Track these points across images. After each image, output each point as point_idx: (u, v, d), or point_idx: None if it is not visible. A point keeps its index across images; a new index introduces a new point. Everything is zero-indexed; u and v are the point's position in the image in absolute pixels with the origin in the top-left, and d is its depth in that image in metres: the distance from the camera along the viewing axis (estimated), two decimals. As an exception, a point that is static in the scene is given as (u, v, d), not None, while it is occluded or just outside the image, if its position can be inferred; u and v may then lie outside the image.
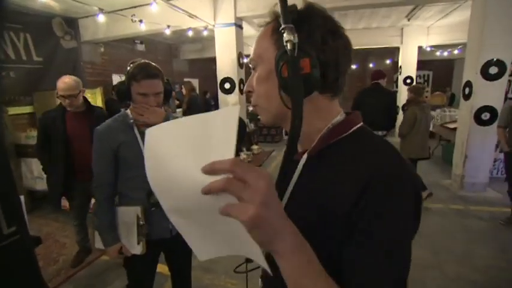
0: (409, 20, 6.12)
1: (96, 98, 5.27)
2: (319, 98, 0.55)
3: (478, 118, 3.83)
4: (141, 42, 7.08)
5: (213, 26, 4.62)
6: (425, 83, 11.01)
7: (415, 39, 7.33)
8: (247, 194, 0.35)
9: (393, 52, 9.10)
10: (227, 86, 4.86)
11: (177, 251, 1.57)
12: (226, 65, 4.78)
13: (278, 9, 0.52)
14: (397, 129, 4.81)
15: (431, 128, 4.44)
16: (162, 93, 1.38)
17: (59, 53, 5.14)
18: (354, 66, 11.44)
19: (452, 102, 9.69)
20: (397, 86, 8.34)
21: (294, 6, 0.54)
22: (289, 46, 0.48)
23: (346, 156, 0.53)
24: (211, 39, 5.17)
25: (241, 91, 4.96)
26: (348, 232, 0.47)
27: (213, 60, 5.11)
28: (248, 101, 7.42)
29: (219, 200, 0.37)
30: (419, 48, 7.47)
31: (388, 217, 0.45)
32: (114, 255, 1.43)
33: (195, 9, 4.33)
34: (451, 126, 5.27)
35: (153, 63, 1.35)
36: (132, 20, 4.31)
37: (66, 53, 5.27)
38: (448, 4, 5.36)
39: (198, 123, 0.41)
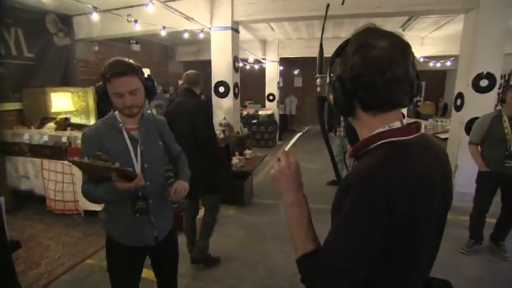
0: (403, 30, 6.22)
1: (87, 98, 5.18)
2: (362, 115, 0.67)
3: (469, 129, 3.88)
4: (137, 43, 7.01)
5: (209, 29, 4.61)
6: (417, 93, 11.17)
7: (409, 50, 7.41)
8: (276, 165, 0.77)
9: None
10: (221, 89, 4.83)
11: (163, 258, 1.53)
12: (221, 69, 4.75)
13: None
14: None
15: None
16: (140, 90, 1.29)
17: (52, 49, 5.05)
18: (348, 74, 11.55)
19: (445, 112, 9.85)
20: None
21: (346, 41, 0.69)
22: (318, 89, 0.74)
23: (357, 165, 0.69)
24: (207, 42, 5.15)
25: (235, 95, 4.94)
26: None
27: (208, 63, 5.08)
28: (242, 105, 7.45)
29: None
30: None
31: (348, 217, 0.60)
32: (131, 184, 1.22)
33: (192, 11, 4.30)
34: (442, 136, 5.34)
35: (124, 59, 1.27)
36: (127, 19, 4.27)
37: (58, 50, 5.18)
38: (442, 17, 5.47)
39: None
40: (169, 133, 1.57)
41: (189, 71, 2.58)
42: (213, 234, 2.75)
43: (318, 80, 0.69)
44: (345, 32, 7.03)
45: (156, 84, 1.40)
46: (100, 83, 1.30)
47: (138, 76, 1.28)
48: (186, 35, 4.84)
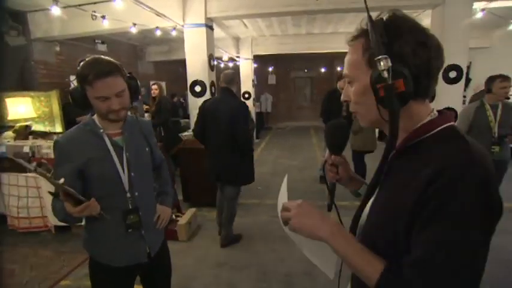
0: (373, 26, 6.40)
1: (51, 103, 4.76)
2: (412, 104, 0.61)
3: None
4: (103, 42, 6.56)
5: (182, 26, 4.41)
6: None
7: (379, 45, 7.67)
8: (287, 216, 0.68)
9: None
10: (198, 88, 4.65)
11: (155, 273, 1.39)
12: (196, 67, 4.57)
13: (365, 25, 0.62)
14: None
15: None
16: (126, 91, 1.15)
17: (3, 50, 4.56)
18: (322, 70, 11.77)
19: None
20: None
21: (381, 20, 0.60)
22: (385, 74, 0.56)
23: (424, 152, 0.59)
24: (178, 41, 4.94)
25: (212, 94, 4.79)
26: (415, 217, 0.54)
27: (180, 62, 4.90)
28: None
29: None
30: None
31: (451, 207, 0.50)
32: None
33: (163, 7, 4.08)
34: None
35: (105, 58, 1.11)
36: (92, 16, 3.95)
37: (11, 51, 4.68)
38: (410, 12, 5.66)
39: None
40: (154, 138, 1.43)
41: (226, 71, 2.79)
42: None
43: (382, 63, 0.55)
44: (318, 28, 7.11)
45: (138, 81, 1.25)
46: (75, 86, 1.12)
47: (122, 75, 1.14)
48: (158, 33, 4.59)
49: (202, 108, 2.81)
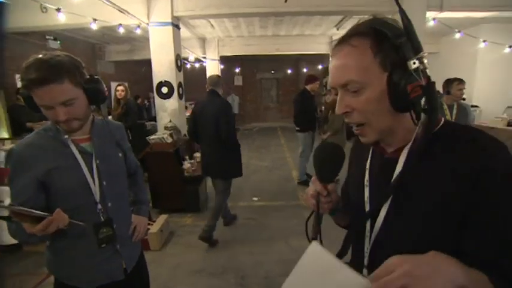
0: (338, 29, 6.68)
1: (-6, 104, 4.24)
2: None
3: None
4: (55, 39, 5.98)
5: (147, 24, 4.20)
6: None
7: (342, 48, 8.02)
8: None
9: (324, 58, 9.82)
10: (165, 90, 4.47)
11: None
12: (163, 68, 4.38)
13: (369, 26, 0.58)
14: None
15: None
16: (79, 99, 0.98)
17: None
18: (288, 71, 12.00)
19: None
20: (326, 89, 9.02)
21: (395, 21, 0.57)
22: (423, 80, 0.54)
23: (450, 145, 0.57)
24: (142, 40, 4.71)
25: (180, 96, 4.63)
26: (467, 207, 0.52)
27: (143, 62, 4.68)
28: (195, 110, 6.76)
29: None
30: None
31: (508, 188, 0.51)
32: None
33: (126, 4, 3.85)
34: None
35: (48, 59, 0.92)
36: (42, 9, 3.59)
37: None
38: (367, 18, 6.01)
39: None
40: (127, 142, 1.31)
41: (211, 75, 3.13)
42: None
43: (415, 63, 0.53)
44: (284, 29, 7.23)
45: (102, 84, 1.09)
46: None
47: (72, 81, 0.96)
48: (121, 30, 4.31)
49: (194, 110, 3.10)
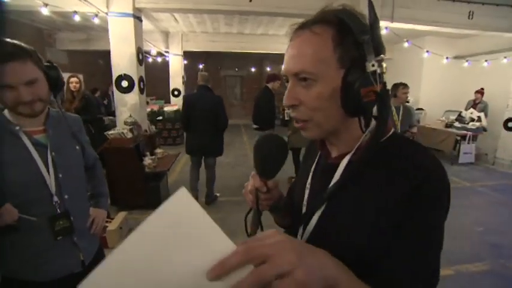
0: (300, 31, 6.91)
1: None
2: None
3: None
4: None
5: (106, 14, 4.00)
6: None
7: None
8: (278, 269, 0.33)
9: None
10: (125, 84, 4.30)
11: None
12: (123, 61, 4.21)
13: (334, 14, 0.53)
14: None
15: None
16: (41, 81, 0.99)
17: None
18: (252, 69, 12.12)
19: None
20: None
21: (363, 17, 0.54)
22: (378, 85, 0.51)
23: (390, 158, 0.54)
24: (100, 30, 4.47)
25: (141, 90, 4.49)
26: (394, 223, 0.50)
27: (101, 53, 4.47)
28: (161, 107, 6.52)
29: None
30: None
31: (434, 211, 0.50)
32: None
33: (82, -10, 3.65)
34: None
35: (10, 40, 0.94)
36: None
37: None
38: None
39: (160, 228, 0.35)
40: (85, 135, 1.30)
41: (201, 72, 3.86)
42: None
43: (375, 65, 0.50)
44: (249, 28, 7.32)
45: (60, 71, 1.10)
46: None
47: (34, 62, 0.97)
48: (76, 19, 4.06)
49: (186, 102, 3.73)
